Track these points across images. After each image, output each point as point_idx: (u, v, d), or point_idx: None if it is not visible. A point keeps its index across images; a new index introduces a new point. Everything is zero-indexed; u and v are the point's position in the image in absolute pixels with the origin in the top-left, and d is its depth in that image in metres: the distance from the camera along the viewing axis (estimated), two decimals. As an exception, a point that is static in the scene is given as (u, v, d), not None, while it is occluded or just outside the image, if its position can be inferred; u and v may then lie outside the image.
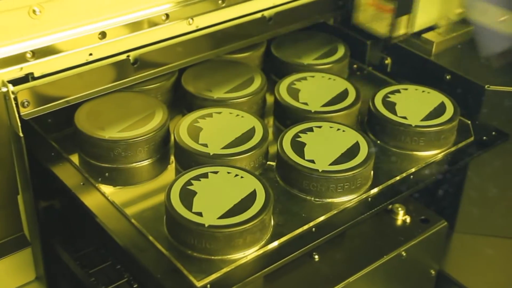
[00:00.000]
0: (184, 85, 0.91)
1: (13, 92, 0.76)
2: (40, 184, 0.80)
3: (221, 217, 0.69)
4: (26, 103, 0.77)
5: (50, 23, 0.77)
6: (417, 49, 0.98)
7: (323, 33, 1.04)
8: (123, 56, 0.83)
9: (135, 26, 0.83)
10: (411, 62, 0.99)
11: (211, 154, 0.78)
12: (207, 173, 0.74)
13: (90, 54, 0.80)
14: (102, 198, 0.76)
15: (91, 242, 0.84)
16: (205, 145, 0.79)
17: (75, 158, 0.82)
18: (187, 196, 0.71)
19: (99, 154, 0.80)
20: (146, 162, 0.82)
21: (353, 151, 0.79)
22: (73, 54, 0.79)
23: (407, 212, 0.88)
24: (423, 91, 0.91)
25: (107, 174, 0.80)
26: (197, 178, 0.74)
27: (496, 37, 0.95)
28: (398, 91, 0.91)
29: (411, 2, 0.83)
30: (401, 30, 0.83)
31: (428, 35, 0.98)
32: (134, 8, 0.82)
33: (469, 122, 0.90)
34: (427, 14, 0.88)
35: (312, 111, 0.87)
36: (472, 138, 0.87)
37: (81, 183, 0.78)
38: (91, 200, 0.75)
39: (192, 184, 0.73)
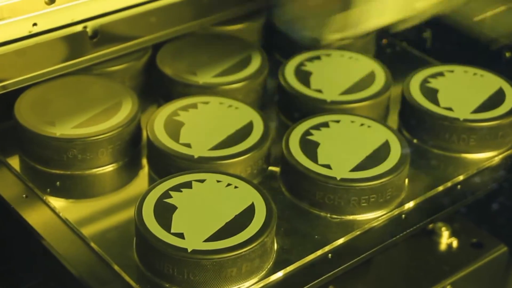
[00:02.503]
0: (159, 66, 0.93)
1: None
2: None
3: (208, 240, 0.70)
4: None
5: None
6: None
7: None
8: (79, 27, 0.84)
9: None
10: (459, 36, 1.01)
11: (195, 157, 0.79)
12: (190, 182, 0.76)
13: (34, 24, 0.81)
14: (52, 215, 0.77)
15: (37, 273, 0.86)
16: (188, 146, 0.81)
17: (15, 162, 0.83)
18: (165, 212, 0.72)
19: (48, 156, 0.82)
20: (109, 168, 0.83)
21: (381, 153, 0.81)
22: (12, 24, 0.80)
23: (453, 234, 0.89)
24: (474, 74, 0.93)
25: (58, 183, 0.81)
26: (177, 188, 0.75)
27: None
28: (441, 74, 0.93)
29: None
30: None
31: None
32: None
33: (536, 115, 0.91)
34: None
35: (328, 100, 0.88)
36: (539, 136, 0.89)
37: (23, 195, 0.79)
38: (36, 217, 0.77)
39: (170, 197, 0.74)
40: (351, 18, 0.77)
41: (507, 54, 0.96)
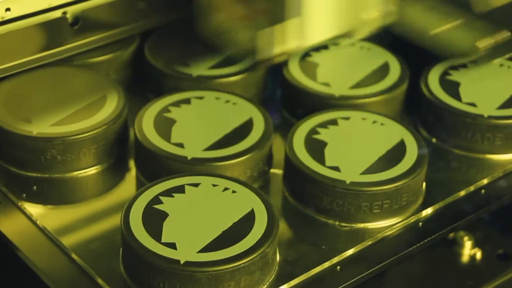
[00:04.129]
0: (148, 57, 0.93)
1: None
2: None
3: (203, 250, 0.70)
4: None
5: None
6: None
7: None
8: (57, 13, 0.85)
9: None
10: (483, 23, 1.01)
11: (188, 158, 0.80)
12: (183, 186, 0.76)
13: (7, 10, 0.81)
14: (28, 223, 0.78)
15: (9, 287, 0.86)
16: (181, 145, 0.82)
17: (-13, 164, 0.84)
18: (154, 220, 0.73)
19: (24, 158, 0.83)
20: (93, 170, 0.84)
21: (396, 154, 0.81)
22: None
23: (476, 244, 0.89)
24: (500, 65, 0.94)
25: (35, 187, 0.82)
26: (168, 193, 0.76)
27: None
28: (463, 65, 0.93)
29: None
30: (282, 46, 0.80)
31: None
32: None
33: None
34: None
35: (337, 95, 0.89)
36: None
37: (-3, 201, 0.80)
38: (10, 225, 0.78)
39: (161, 202, 0.75)
40: (288, 30, 0.76)
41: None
